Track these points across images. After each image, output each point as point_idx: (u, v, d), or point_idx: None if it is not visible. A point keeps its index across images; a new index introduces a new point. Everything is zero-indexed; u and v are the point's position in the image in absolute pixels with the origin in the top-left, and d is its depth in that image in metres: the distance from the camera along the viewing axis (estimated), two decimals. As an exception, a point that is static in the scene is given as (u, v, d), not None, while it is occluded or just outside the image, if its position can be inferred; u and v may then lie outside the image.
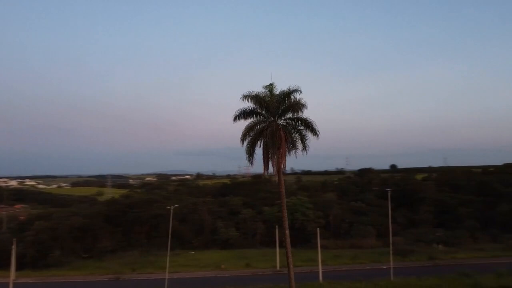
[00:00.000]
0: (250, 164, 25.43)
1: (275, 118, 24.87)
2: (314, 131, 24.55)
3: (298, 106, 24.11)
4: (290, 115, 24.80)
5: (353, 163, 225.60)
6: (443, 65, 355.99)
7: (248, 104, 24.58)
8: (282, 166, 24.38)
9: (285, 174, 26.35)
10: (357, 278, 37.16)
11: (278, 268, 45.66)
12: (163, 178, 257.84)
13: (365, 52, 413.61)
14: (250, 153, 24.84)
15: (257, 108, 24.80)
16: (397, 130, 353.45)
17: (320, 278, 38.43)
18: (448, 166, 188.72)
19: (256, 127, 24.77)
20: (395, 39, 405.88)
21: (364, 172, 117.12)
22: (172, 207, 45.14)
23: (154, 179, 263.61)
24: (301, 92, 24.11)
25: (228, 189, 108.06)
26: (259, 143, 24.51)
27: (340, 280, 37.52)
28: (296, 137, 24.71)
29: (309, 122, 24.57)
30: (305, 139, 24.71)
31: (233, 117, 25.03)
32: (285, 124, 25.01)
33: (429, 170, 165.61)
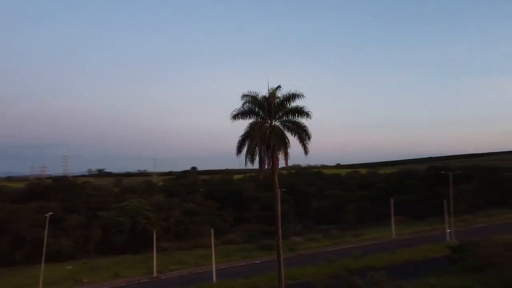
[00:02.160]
0: (250, 163, 24.93)
1: (271, 119, 25.04)
2: (306, 134, 25.08)
3: (299, 112, 24.90)
4: (288, 118, 25.25)
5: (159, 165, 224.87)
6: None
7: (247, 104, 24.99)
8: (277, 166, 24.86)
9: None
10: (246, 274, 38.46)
11: (155, 274, 42.47)
12: None
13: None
14: (240, 151, 24.93)
15: (255, 108, 24.93)
16: (198, 133, 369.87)
17: (214, 278, 38.07)
18: (231, 169, 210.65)
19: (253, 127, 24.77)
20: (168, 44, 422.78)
21: (187, 174, 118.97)
22: None
23: None
24: (303, 96, 25.00)
25: (33, 193, 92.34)
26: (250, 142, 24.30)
27: (233, 278, 38.08)
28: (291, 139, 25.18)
29: (303, 126, 25.08)
30: (305, 141, 25.04)
31: (232, 116, 25.11)
32: (281, 126, 25.23)
33: (226, 172, 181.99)
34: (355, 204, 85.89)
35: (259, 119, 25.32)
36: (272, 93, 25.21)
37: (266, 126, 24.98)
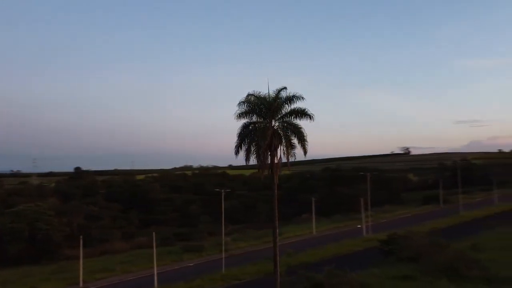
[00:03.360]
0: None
1: (271, 119, 24.98)
2: (302, 136, 25.14)
3: (302, 113, 25.04)
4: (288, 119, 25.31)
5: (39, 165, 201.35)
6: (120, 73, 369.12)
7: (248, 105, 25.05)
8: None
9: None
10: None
11: (81, 284, 37.70)
12: None
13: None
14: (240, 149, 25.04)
15: (256, 108, 25.02)
16: (83, 132, 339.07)
17: (156, 283, 35.44)
18: (136, 169, 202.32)
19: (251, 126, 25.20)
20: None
21: (82, 174, 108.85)
22: None
23: None
24: (303, 99, 25.12)
25: None
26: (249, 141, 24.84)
27: (174, 282, 36.03)
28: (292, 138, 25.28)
29: (300, 128, 25.16)
30: (305, 142, 25.09)
31: (237, 115, 25.22)
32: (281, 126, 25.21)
33: (115, 172, 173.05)
34: (265, 204, 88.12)
35: (261, 119, 25.36)
36: (277, 94, 25.28)
37: (267, 126, 24.95)
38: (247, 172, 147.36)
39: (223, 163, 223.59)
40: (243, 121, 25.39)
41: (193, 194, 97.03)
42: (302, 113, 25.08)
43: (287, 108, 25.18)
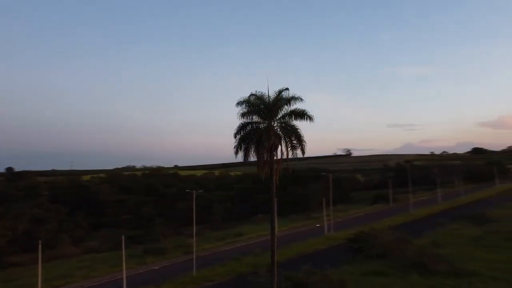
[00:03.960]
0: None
1: (270, 120, 25.11)
2: (300, 136, 25.11)
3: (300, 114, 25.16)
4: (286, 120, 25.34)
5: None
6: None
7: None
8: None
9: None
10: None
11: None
12: None
13: None
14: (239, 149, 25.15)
15: (256, 108, 25.18)
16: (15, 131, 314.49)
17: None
18: (77, 170, 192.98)
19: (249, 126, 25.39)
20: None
21: (22, 175, 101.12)
22: None
23: None
24: (302, 100, 25.24)
25: None
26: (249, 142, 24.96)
27: (143, 286, 34.55)
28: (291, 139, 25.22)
29: (297, 129, 25.18)
30: (303, 143, 25.07)
31: (241, 114, 25.33)
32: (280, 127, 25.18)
33: (54, 173, 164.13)
34: (220, 204, 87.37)
35: (260, 120, 25.45)
36: (278, 95, 25.31)
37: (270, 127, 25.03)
38: (199, 173, 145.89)
39: (168, 164, 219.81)
40: (241, 120, 25.52)
41: (145, 195, 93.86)
42: (302, 115, 25.26)
43: (286, 109, 25.37)
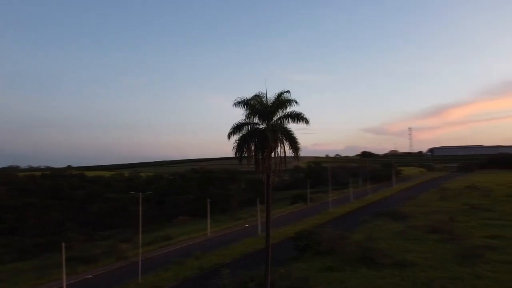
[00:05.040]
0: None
1: (267, 122, 25.35)
2: (293, 140, 25.08)
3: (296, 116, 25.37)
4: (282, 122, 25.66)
5: None
6: None
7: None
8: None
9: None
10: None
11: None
12: None
13: None
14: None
15: (253, 110, 25.26)
16: None
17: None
18: None
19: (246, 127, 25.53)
20: None
21: None
22: None
23: None
24: (297, 103, 25.42)
25: None
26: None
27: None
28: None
29: (289, 130, 25.47)
30: (296, 143, 25.24)
31: (246, 115, 25.46)
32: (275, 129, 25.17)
33: None
34: (137, 206, 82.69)
35: (258, 121, 25.55)
36: (278, 97, 25.37)
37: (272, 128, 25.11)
38: (106, 174, 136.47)
39: (60, 164, 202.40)
40: (236, 121, 25.61)
41: (50, 198, 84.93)
42: (298, 117, 25.48)
43: (283, 112, 25.52)
